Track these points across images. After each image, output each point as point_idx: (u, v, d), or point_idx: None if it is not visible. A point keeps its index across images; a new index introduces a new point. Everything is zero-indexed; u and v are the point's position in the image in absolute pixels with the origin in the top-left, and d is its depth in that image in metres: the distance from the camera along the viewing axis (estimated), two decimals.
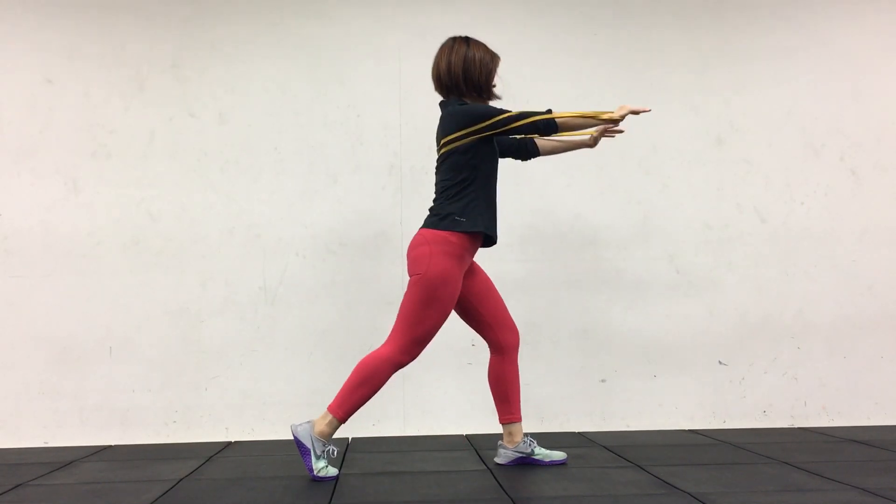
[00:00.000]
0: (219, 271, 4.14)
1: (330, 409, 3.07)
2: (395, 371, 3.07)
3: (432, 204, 3.17)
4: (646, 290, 4.27)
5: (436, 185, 3.18)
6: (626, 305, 4.26)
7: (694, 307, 4.28)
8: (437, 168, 3.18)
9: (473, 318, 3.28)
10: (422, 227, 3.13)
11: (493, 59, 3.20)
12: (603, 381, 4.23)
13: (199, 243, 4.14)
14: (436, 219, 3.09)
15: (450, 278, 3.04)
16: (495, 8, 4.33)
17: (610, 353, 4.24)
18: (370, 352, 3.14)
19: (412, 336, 3.04)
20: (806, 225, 4.34)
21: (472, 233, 3.08)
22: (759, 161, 4.35)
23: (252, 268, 4.15)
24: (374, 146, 4.23)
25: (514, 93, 4.15)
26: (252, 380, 4.11)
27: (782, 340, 4.29)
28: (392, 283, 4.14)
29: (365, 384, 3.04)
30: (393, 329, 3.09)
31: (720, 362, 4.27)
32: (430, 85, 3.08)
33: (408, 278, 3.11)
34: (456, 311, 3.26)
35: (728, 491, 2.80)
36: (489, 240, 3.17)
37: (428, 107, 4.11)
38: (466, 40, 3.19)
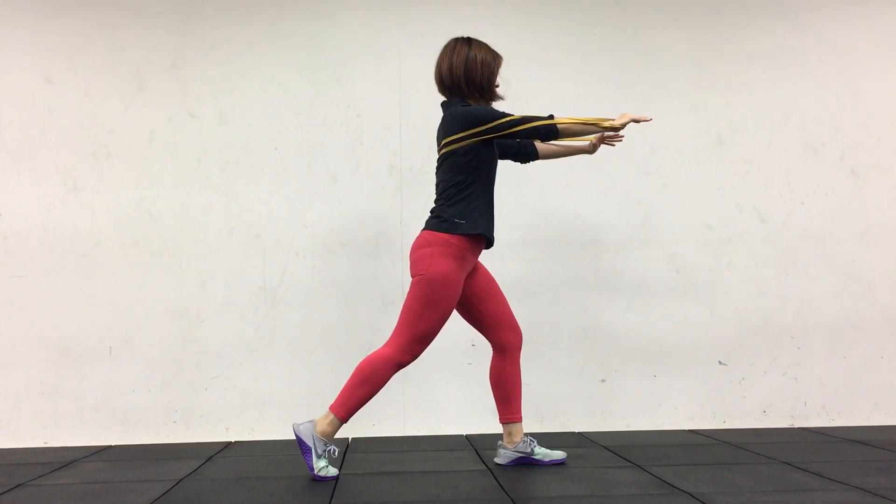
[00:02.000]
0: (219, 271, 4.14)
1: (332, 408, 3.08)
2: (396, 370, 3.08)
3: (433, 205, 3.19)
4: (646, 290, 4.27)
5: (436, 185, 3.20)
6: (626, 305, 4.26)
7: (694, 307, 4.28)
8: (437, 168, 3.20)
9: (475, 317, 3.29)
10: (423, 229, 3.15)
11: (496, 59, 3.20)
12: (603, 381, 4.23)
13: (199, 243, 4.14)
14: (436, 221, 3.11)
15: (450, 279, 3.05)
16: (495, 8, 4.33)
17: (610, 353, 4.24)
18: (371, 352, 3.14)
19: (413, 335, 3.05)
20: (806, 225, 4.34)
21: (473, 235, 3.09)
22: (759, 161, 4.35)
23: (252, 268, 4.15)
24: (374, 146, 4.23)
25: (515, 93, 4.16)
26: (252, 380, 4.11)
27: (782, 340, 4.29)
28: (392, 283, 4.15)
29: (366, 383, 3.05)
30: (395, 329, 3.11)
31: (720, 362, 4.27)
32: (430, 85, 3.09)
33: (408, 278, 3.12)
34: (458, 311, 3.28)
35: (728, 491, 2.80)
36: (487, 242, 3.18)
37: (428, 107, 4.12)
38: (468, 41, 3.20)
